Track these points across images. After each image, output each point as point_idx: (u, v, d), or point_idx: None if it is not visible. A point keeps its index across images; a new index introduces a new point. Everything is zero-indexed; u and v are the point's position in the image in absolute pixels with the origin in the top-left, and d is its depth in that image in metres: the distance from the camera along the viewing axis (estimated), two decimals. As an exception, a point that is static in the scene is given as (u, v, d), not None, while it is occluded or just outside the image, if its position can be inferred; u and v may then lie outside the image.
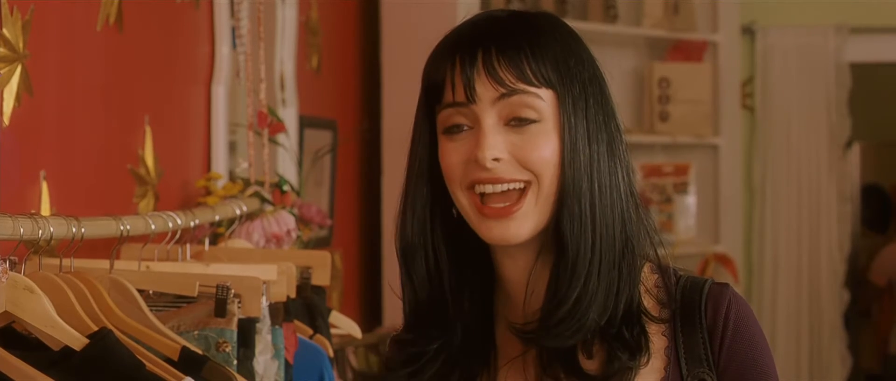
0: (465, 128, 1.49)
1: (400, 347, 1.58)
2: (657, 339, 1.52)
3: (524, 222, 1.48)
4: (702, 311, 1.52)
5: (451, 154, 1.49)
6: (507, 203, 1.48)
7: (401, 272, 1.56)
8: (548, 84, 1.48)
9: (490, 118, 1.47)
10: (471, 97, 1.47)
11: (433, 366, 1.54)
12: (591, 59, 1.52)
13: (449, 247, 1.54)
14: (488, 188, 1.47)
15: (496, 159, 1.46)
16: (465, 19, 1.54)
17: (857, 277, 6.79)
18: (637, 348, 1.50)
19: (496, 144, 1.46)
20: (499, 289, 1.57)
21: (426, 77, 1.52)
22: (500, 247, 1.53)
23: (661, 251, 1.55)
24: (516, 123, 1.47)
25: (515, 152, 1.47)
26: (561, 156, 1.48)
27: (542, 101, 1.47)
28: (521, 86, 1.47)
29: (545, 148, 1.47)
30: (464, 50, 1.48)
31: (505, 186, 1.47)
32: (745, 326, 1.52)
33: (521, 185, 1.48)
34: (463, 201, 1.50)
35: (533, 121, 1.47)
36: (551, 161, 1.47)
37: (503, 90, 1.46)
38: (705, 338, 1.51)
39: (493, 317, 1.57)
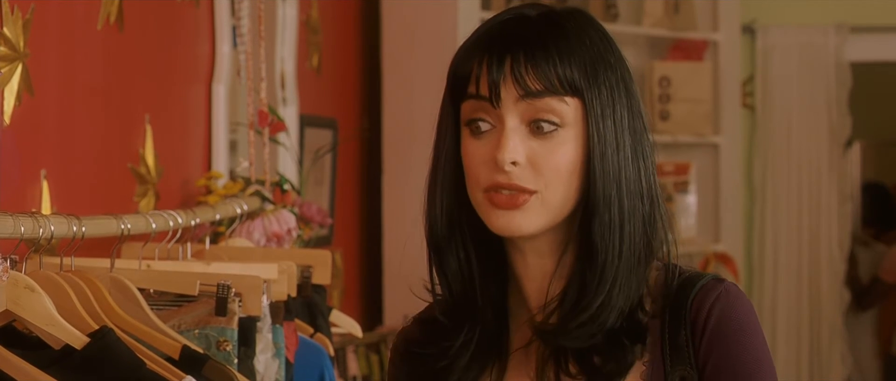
0: (488, 127, 1.50)
1: (428, 336, 1.59)
2: (649, 334, 1.53)
3: (528, 216, 1.50)
4: (688, 306, 1.52)
5: (473, 154, 1.51)
6: (515, 193, 1.49)
7: (433, 264, 1.58)
8: (574, 93, 1.49)
9: (512, 120, 1.49)
10: (495, 102, 1.48)
11: (462, 355, 1.56)
12: (619, 59, 1.53)
13: (475, 239, 1.55)
14: (504, 192, 1.49)
15: (514, 163, 1.48)
16: (495, 15, 1.55)
17: (869, 277, 6.77)
18: (637, 340, 1.51)
19: (516, 148, 1.48)
20: (511, 282, 1.59)
21: (452, 73, 1.54)
22: (512, 244, 1.55)
23: (672, 250, 1.56)
24: (538, 127, 1.49)
25: (533, 158, 1.49)
26: (587, 165, 1.50)
27: (567, 106, 1.49)
28: (547, 98, 1.48)
29: (561, 157, 1.49)
30: (492, 52, 1.49)
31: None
32: (728, 321, 1.50)
33: (528, 196, 1.49)
34: (478, 197, 1.52)
35: (555, 126, 1.49)
36: (564, 171, 1.49)
37: (529, 98, 1.48)
38: (688, 333, 1.51)
39: (508, 308, 1.59)
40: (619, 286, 1.50)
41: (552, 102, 1.48)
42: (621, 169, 1.50)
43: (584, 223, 1.51)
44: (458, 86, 1.52)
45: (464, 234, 1.55)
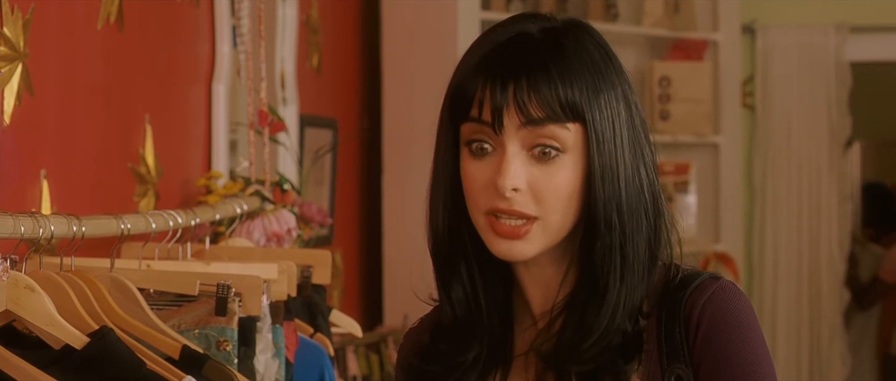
0: (489, 149, 1.50)
1: (435, 346, 1.59)
2: (645, 333, 1.52)
3: (530, 244, 1.50)
4: (682, 304, 1.51)
5: (474, 176, 1.50)
6: (518, 224, 1.49)
7: (436, 281, 1.58)
8: (576, 118, 1.48)
9: (513, 146, 1.48)
10: (498, 130, 1.48)
11: (471, 373, 1.56)
12: (620, 73, 1.52)
13: (477, 252, 1.55)
14: (504, 218, 1.49)
15: (515, 189, 1.47)
16: (496, 29, 1.53)
17: (869, 277, 6.78)
18: (637, 349, 1.51)
19: (517, 174, 1.47)
20: (516, 291, 1.59)
21: (453, 93, 1.52)
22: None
23: (675, 251, 1.55)
24: (539, 153, 1.48)
25: (534, 184, 1.48)
26: (587, 187, 1.49)
27: (569, 132, 1.48)
28: (549, 125, 1.47)
29: (561, 182, 1.48)
30: (494, 76, 1.48)
31: (518, 222, 1.49)
32: (723, 319, 1.49)
33: (530, 222, 1.49)
34: (480, 220, 1.51)
35: (556, 151, 1.48)
36: (564, 195, 1.49)
37: (531, 125, 1.47)
38: (682, 332, 1.51)
39: (512, 317, 1.59)
40: (622, 307, 1.50)
41: (554, 129, 1.47)
42: (622, 190, 1.50)
43: (585, 244, 1.51)
44: (459, 108, 1.51)
45: (465, 248, 1.55)
